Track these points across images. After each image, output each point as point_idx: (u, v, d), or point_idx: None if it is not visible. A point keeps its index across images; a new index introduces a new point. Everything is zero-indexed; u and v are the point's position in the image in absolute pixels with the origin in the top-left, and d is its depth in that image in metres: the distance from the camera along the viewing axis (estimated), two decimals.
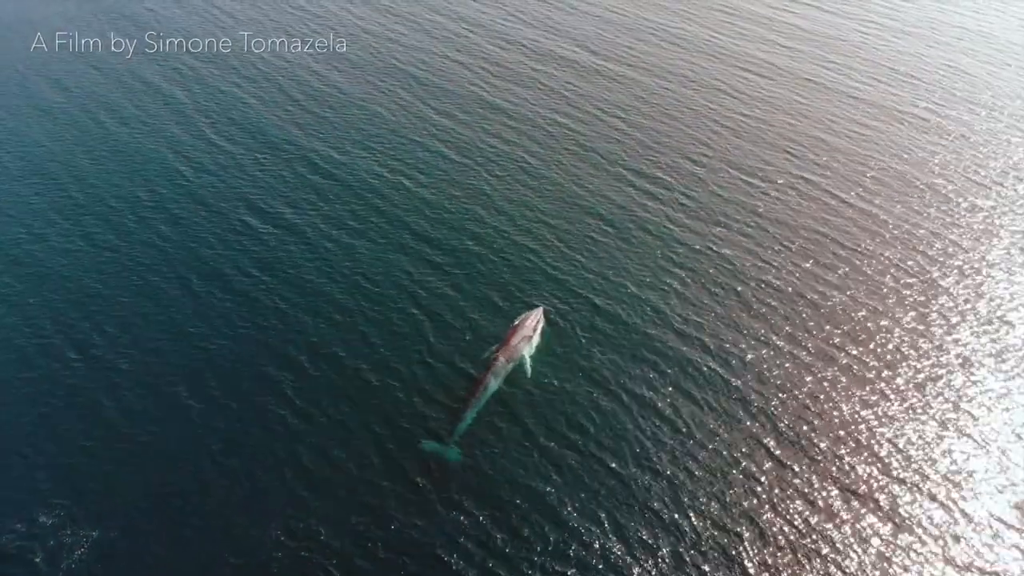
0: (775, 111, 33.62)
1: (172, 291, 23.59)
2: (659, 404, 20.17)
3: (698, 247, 25.60)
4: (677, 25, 41.21)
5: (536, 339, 21.41)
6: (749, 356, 21.69)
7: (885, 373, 21.34)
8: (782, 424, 19.80)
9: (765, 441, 19.34)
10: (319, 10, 42.45)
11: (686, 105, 33.78)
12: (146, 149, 30.41)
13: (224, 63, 36.88)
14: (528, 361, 20.83)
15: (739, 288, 24.01)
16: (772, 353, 21.82)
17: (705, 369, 21.23)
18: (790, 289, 24.05)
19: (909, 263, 25.31)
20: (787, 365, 21.49)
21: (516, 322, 21.42)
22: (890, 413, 20.21)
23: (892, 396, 20.69)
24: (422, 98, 33.97)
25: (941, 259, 25.55)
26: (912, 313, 23.36)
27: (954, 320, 23.20)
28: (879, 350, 22.07)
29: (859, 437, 19.56)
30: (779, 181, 29.02)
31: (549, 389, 20.53)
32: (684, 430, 19.52)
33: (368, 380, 20.67)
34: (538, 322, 21.65)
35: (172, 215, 26.81)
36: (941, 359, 21.86)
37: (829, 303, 23.60)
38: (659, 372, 21.10)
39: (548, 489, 18.05)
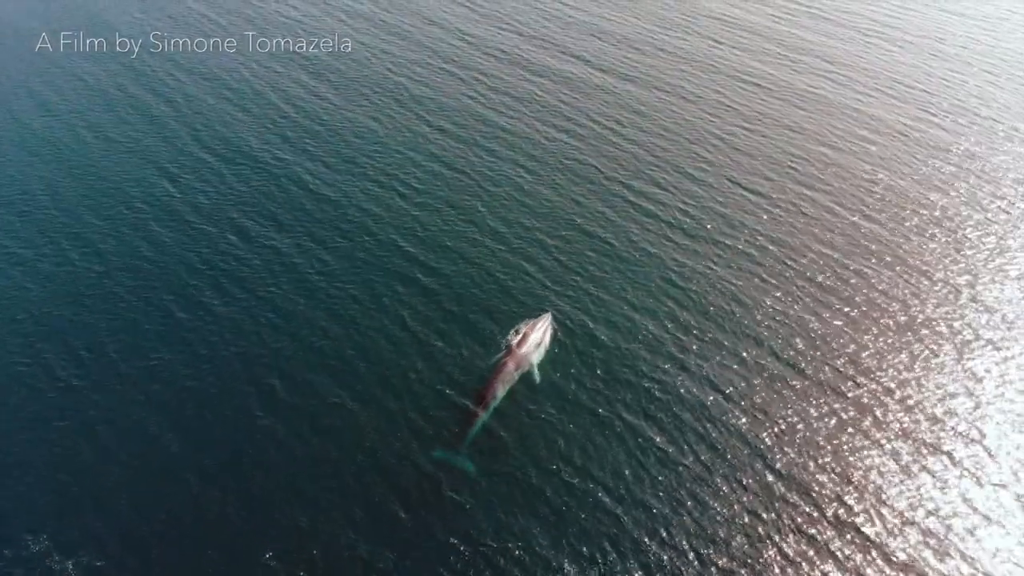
0: (775, 124, 32.80)
1: (151, 315, 22.79)
2: (653, 433, 19.37)
3: (697, 267, 24.78)
4: (675, 36, 40.37)
5: (545, 346, 21.07)
6: (748, 382, 20.87)
7: (892, 404, 20.51)
8: (783, 457, 18.97)
9: (765, 473, 18.51)
10: (312, 21, 41.68)
11: (684, 118, 32.96)
12: (128, 164, 29.60)
13: (215, 71, 36.07)
14: (536, 369, 20.47)
15: (738, 312, 23.18)
16: (773, 380, 20.98)
17: (701, 396, 20.41)
18: (791, 312, 23.23)
19: (917, 285, 24.48)
20: (788, 394, 20.65)
21: (524, 327, 21.13)
22: (895, 447, 19.37)
23: (897, 427, 19.86)
24: (414, 111, 33.20)
25: (950, 280, 24.72)
26: (922, 338, 22.52)
27: (967, 342, 22.35)
28: (885, 378, 21.23)
29: (862, 472, 18.72)
30: (780, 198, 28.20)
31: (541, 415, 19.74)
32: (680, 459, 18.70)
33: (353, 410, 19.88)
34: (547, 328, 21.38)
35: (154, 234, 26.01)
36: (952, 388, 21.01)
37: (832, 328, 22.76)
38: (655, 399, 20.29)
39: (543, 521, 17.26)
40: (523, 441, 19.27)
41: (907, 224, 27.20)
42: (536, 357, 20.69)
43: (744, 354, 21.74)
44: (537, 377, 20.49)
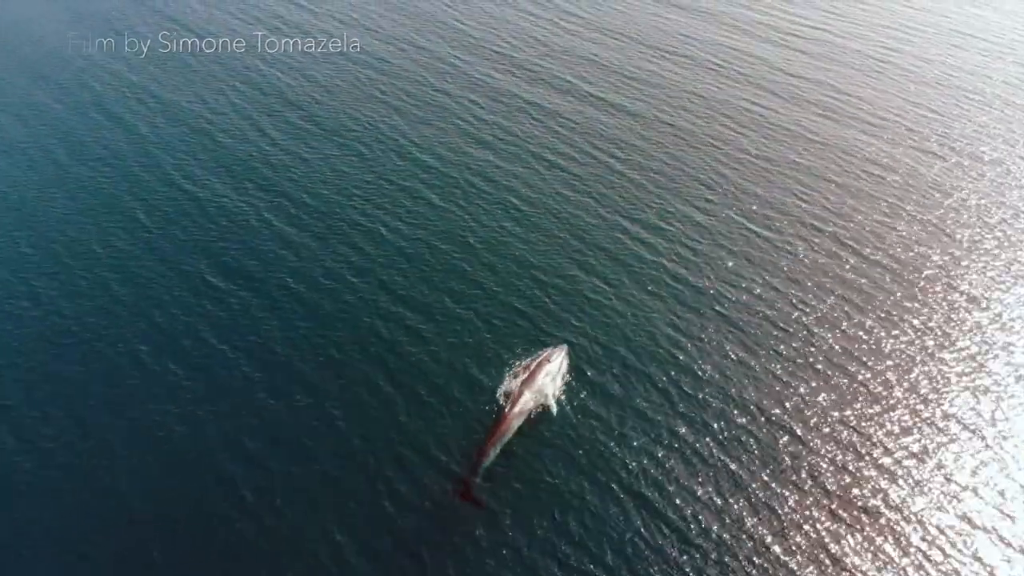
0: (784, 148, 31.18)
1: (120, 363, 21.41)
2: (654, 496, 18.04)
3: (703, 309, 23.31)
4: (678, 53, 38.64)
5: (561, 377, 20.40)
6: (758, 438, 19.47)
7: (921, 457, 19.10)
8: (796, 512, 17.59)
9: (769, 527, 17.15)
10: (301, 35, 40.16)
11: (687, 142, 31.37)
12: (101, 191, 28.21)
13: (193, 89, 34.62)
14: (553, 401, 19.85)
15: (750, 360, 21.72)
16: (784, 434, 19.58)
17: (707, 453, 19.03)
18: (802, 360, 21.78)
19: (942, 329, 23.00)
20: (804, 451, 19.25)
21: (539, 358, 20.37)
22: (925, 508, 17.98)
23: (930, 484, 18.46)
24: (404, 134, 31.69)
25: (976, 323, 23.27)
26: (951, 390, 21.06)
27: (1000, 397, 20.92)
28: (913, 432, 19.82)
29: (897, 535, 17.34)
30: (789, 231, 26.64)
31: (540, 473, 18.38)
32: (685, 524, 17.34)
33: (336, 477, 18.50)
34: (563, 359, 20.66)
35: (127, 271, 24.61)
36: (988, 443, 19.59)
37: (849, 377, 21.34)
38: (658, 461, 18.90)
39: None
40: (534, 481, 18.26)
41: (929, 260, 25.58)
42: (553, 388, 20.01)
43: (755, 408, 20.33)
44: (555, 409, 19.74)
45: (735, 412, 20.20)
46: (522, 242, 25.91)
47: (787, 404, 20.49)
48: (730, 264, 25.08)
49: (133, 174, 29.22)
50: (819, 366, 21.60)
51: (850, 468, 18.91)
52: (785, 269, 24.98)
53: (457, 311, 23.09)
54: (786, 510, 17.96)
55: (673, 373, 21.20)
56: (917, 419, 20.23)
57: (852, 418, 20.18)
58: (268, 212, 27.13)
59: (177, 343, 21.96)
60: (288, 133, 31.71)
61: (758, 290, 24.13)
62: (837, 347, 22.22)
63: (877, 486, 18.53)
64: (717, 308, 23.39)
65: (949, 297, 24.15)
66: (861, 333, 22.74)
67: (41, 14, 42.49)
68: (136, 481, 18.39)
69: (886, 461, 19.11)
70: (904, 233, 26.76)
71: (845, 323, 23.05)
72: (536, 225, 26.69)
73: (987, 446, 19.56)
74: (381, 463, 18.75)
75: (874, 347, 22.27)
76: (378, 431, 19.54)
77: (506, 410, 19.03)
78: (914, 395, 20.88)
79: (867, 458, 19.17)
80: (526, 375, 19.79)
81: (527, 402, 19.31)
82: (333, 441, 19.27)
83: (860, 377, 21.31)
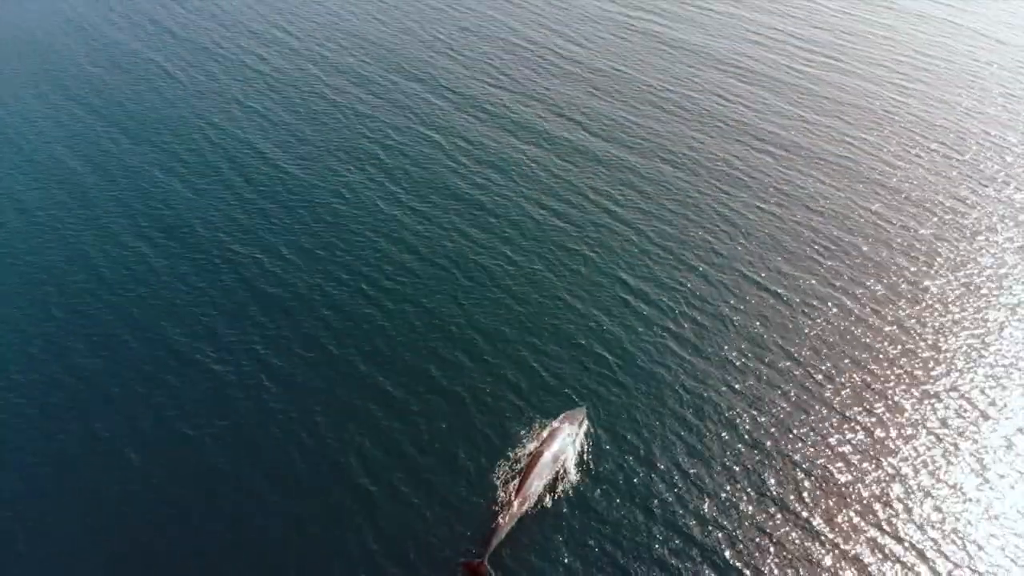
0: (793, 201, 28.85)
1: (75, 450, 19.31)
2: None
3: (710, 391, 21.11)
4: (680, 93, 36.35)
5: (580, 440, 19.38)
6: (774, 539, 17.39)
7: (942, 542, 17.05)
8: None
9: None
10: (276, 74, 38.33)
11: (690, 193, 29.17)
12: (47, 257, 26.13)
13: (164, 144, 32.72)
14: (572, 462, 18.83)
15: (766, 445, 19.69)
16: (799, 531, 17.51)
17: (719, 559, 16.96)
18: (820, 462, 19.69)
19: (968, 405, 21.03)
20: (822, 551, 17.16)
21: (558, 421, 19.48)
22: None
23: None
24: (386, 184, 29.53)
25: (1004, 399, 21.32)
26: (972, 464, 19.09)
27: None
28: (933, 515, 17.80)
29: None
30: (796, 299, 24.34)
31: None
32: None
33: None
34: (583, 421, 19.78)
35: (89, 339, 22.74)
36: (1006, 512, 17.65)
37: (871, 471, 19.31)
38: (669, 570, 16.86)
39: None
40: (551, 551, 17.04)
41: (952, 332, 23.40)
42: (572, 450, 19.05)
43: (771, 509, 18.31)
44: (573, 473, 18.68)
45: (752, 483, 18.19)
46: (512, 303, 23.94)
47: (814, 473, 18.47)
48: (735, 332, 23.15)
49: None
50: (832, 416, 19.66)
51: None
52: (805, 335, 23.06)
53: (440, 383, 21.27)
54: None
55: (680, 458, 19.25)
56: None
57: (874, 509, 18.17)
58: (233, 272, 25.14)
59: (134, 423, 19.93)
60: (260, 183, 29.72)
61: (763, 365, 22.16)
62: (853, 407, 20.36)
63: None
64: (724, 386, 21.41)
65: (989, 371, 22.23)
66: (877, 386, 21.02)
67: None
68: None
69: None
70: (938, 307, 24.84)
71: (860, 382, 21.27)
72: (527, 283, 24.71)
73: None
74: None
75: (898, 417, 20.32)
76: (345, 530, 17.41)
77: (523, 477, 18.03)
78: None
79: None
80: (544, 439, 18.95)
81: (545, 468, 18.26)
82: (299, 541, 17.09)
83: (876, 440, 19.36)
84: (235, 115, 34.37)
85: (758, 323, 23.46)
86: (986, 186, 30.15)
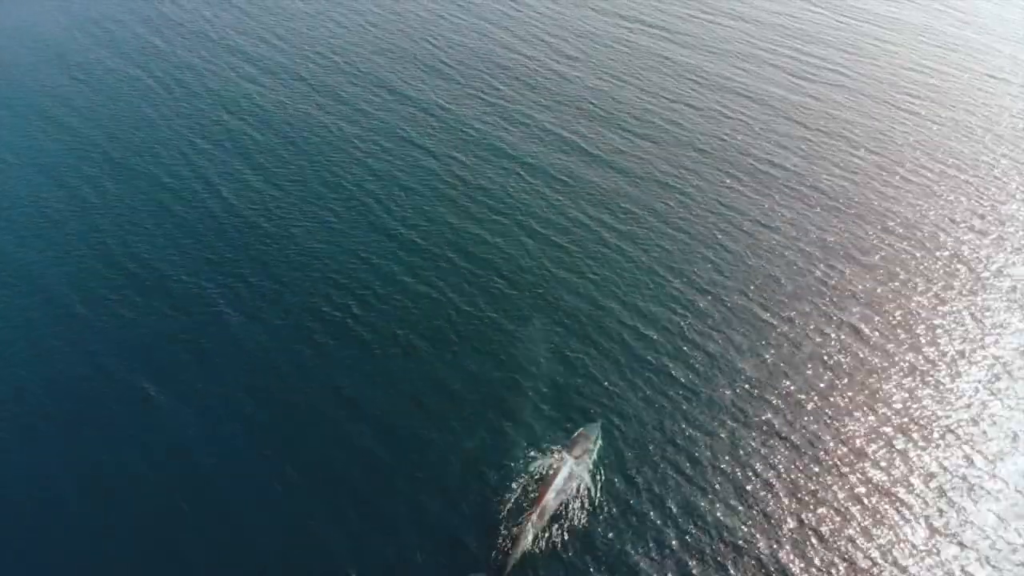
0: (797, 226, 27.64)
1: (44, 517, 18.02)
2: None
3: (721, 443, 19.76)
4: (676, 111, 35.01)
5: (595, 454, 19.14)
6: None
7: None
8: None
9: None
10: (264, 99, 37.02)
11: (688, 217, 27.82)
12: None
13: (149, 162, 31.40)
14: (589, 478, 18.57)
15: (784, 498, 18.46)
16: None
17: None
18: (836, 531, 18.46)
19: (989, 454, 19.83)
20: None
21: (573, 437, 19.37)
22: None
23: None
24: (374, 207, 28.23)
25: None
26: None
27: None
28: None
29: None
30: (814, 352, 22.61)
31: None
32: None
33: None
34: (597, 438, 19.59)
35: (58, 391, 21.35)
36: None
37: (888, 513, 18.12)
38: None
39: None
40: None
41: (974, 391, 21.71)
42: (588, 464, 18.83)
43: (786, 561, 17.08)
44: (592, 487, 18.34)
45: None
46: (509, 337, 22.76)
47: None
48: (745, 377, 21.94)
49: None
50: (838, 454, 18.49)
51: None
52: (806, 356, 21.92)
53: (426, 434, 20.02)
54: None
55: (696, 508, 18.16)
56: None
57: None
58: (214, 313, 23.89)
59: (110, 489, 18.63)
60: (242, 205, 28.35)
61: (776, 417, 20.95)
62: (858, 444, 19.29)
63: None
64: (737, 441, 20.23)
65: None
66: (896, 421, 19.83)
67: None
68: None
69: None
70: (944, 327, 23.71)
71: (872, 419, 20.30)
72: (525, 315, 23.49)
73: None
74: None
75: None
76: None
77: (539, 495, 17.85)
78: None
79: None
80: (559, 456, 18.79)
81: (560, 486, 18.01)
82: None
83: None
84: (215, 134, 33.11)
85: (764, 375, 21.83)
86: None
